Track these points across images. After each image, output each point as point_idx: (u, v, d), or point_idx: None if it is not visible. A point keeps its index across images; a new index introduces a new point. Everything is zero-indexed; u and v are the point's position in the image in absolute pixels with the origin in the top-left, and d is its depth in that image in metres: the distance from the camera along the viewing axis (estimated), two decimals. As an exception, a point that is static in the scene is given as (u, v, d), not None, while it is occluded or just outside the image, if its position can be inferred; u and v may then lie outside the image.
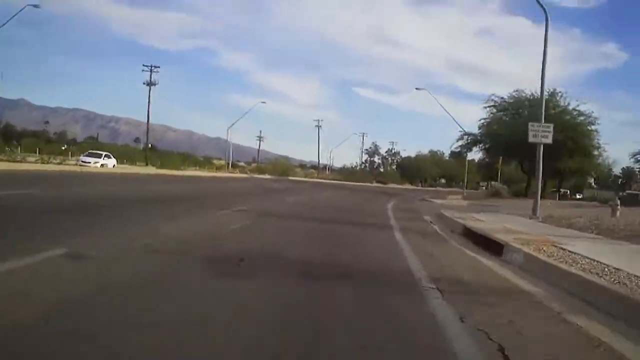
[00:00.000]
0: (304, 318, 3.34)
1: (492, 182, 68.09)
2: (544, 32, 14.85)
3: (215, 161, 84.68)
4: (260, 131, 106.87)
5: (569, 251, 6.75)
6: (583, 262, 5.91)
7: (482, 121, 38.24)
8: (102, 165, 35.49)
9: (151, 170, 42.15)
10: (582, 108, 33.46)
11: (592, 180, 71.68)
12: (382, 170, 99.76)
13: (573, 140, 31.35)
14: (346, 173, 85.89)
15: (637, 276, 4.96)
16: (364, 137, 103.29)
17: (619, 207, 15.23)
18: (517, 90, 36.32)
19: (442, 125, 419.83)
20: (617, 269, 5.34)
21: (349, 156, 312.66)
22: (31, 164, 28.62)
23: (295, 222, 10.32)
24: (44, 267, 4.10)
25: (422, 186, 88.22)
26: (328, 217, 12.25)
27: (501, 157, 47.65)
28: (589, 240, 8.62)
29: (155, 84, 60.68)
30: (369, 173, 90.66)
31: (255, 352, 2.67)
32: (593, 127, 33.75)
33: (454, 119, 44.41)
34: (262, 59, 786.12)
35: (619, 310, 3.98)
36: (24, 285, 3.55)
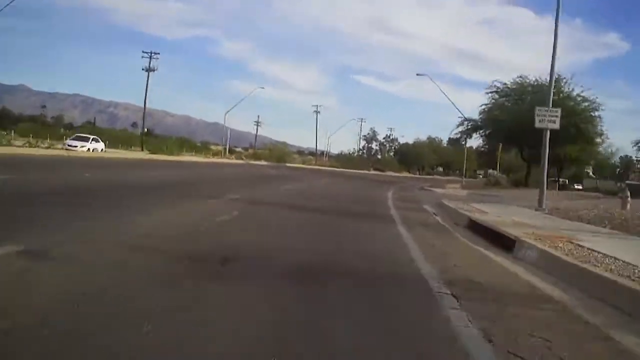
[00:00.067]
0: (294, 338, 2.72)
1: (490, 171, 67.62)
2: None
3: (212, 146, 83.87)
4: (258, 116, 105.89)
5: (588, 248, 6.15)
6: (607, 261, 5.32)
7: (484, 107, 37.69)
8: (89, 149, 34.52)
9: (143, 155, 41.34)
10: (585, 94, 32.95)
11: (590, 170, 71.14)
12: (379, 157, 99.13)
13: (576, 127, 30.82)
14: (343, 160, 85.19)
15: (674, 280, 4.37)
16: (362, 123, 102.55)
17: (629, 199, 14.50)
18: (520, 77, 35.75)
19: (441, 112, 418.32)
20: (648, 271, 4.75)
21: (346, 142, 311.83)
22: (15, 148, 27.76)
23: (290, 214, 9.70)
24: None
25: (419, 174, 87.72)
26: (326, 208, 11.63)
27: (501, 145, 47.09)
28: (605, 236, 8.03)
29: (154, 70, 60.18)
30: (366, 160, 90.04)
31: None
32: (597, 113, 33.31)
33: (454, 104, 43.98)
34: (262, 47, 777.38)
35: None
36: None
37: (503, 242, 7.27)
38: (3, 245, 4.00)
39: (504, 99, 36.59)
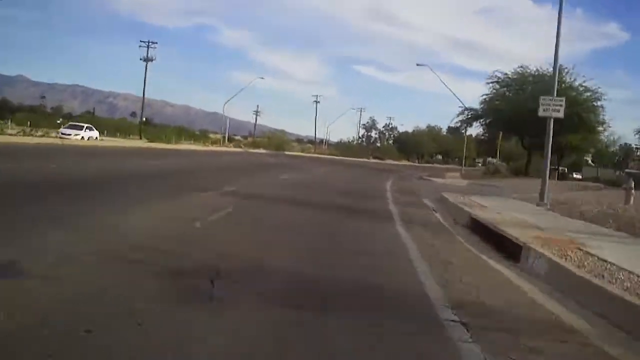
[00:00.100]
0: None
1: (490, 159, 67.24)
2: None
3: (211, 135, 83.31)
4: (257, 105, 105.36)
5: (599, 258, 5.85)
6: (621, 275, 5.00)
7: (484, 96, 37.77)
8: (83, 137, 34.17)
9: (141, 143, 40.92)
10: (588, 84, 32.67)
11: (589, 158, 70.72)
12: (378, 145, 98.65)
13: (578, 116, 30.59)
14: (343, 148, 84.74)
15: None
16: (362, 112, 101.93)
17: (633, 191, 13.84)
18: (521, 67, 35.55)
19: (440, 102, 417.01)
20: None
21: (346, 131, 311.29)
22: (8, 137, 27.33)
23: (289, 208, 9.41)
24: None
25: (418, 162, 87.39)
26: (326, 201, 11.33)
27: (501, 133, 46.85)
28: (613, 240, 7.71)
29: (152, 60, 59.45)
30: (365, 148, 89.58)
31: None
32: (599, 103, 33.10)
33: (454, 94, 43.99)
34: (262, 37, 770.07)
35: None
36: None
37: (508, 247, 6.98)
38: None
39: (504, 89, 36.54)
